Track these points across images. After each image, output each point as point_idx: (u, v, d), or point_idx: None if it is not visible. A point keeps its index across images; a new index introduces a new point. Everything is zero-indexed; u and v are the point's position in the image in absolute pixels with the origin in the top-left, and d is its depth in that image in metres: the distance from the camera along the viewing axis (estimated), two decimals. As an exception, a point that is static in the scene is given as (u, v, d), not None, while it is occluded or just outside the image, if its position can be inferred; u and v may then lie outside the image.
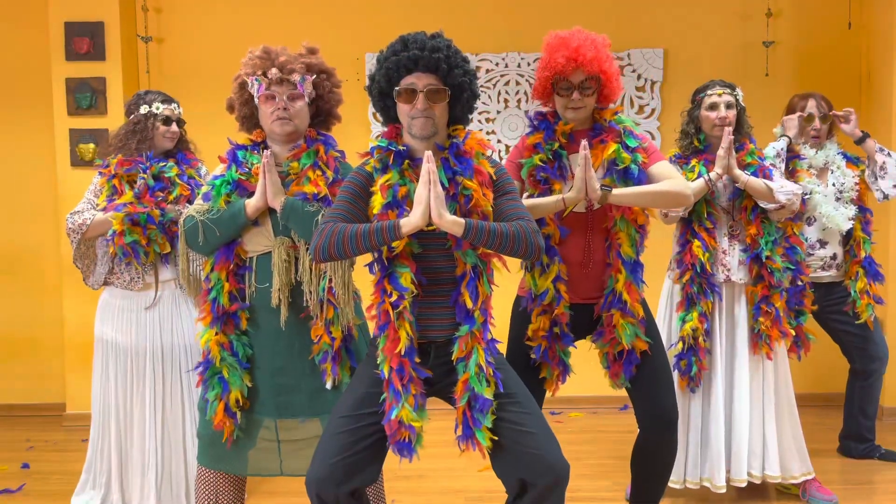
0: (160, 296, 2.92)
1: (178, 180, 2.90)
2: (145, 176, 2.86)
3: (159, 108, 2.93)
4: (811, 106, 3.37)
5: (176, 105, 3.00)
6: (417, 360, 2.07)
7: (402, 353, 2.04)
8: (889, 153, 3.32)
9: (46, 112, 4.39)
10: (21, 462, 3.75)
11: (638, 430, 2.62)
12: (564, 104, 2.48)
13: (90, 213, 2.85)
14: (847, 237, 3.45)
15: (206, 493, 2.37)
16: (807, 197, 3.14)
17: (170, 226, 2.85)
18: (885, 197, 3.37)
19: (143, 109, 2.92)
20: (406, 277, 2.05)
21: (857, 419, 3.64)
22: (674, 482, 3.00)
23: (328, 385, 2.29)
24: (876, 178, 3.35)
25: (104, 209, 2.84)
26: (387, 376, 2.06)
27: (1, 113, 4.58)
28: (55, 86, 4.31)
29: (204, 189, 2.40)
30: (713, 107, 2.97)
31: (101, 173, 2.93)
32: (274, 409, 2.32)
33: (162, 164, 2.91)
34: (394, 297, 2.05)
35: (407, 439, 2.04)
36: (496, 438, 2.04)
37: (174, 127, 2.96)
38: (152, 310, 2.92)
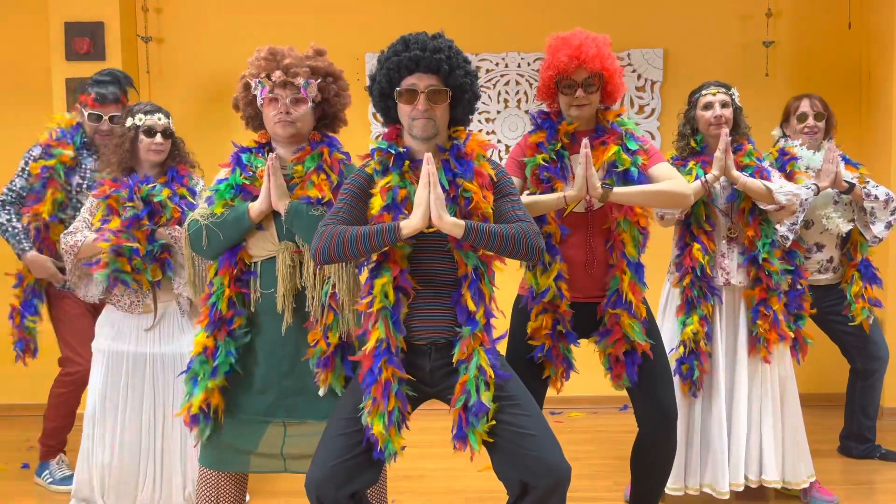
0: (161, 315, 2.93)
1: (168, 202, 2.85)
2: (132, 204, 2.80)
3: (142, 119, 2.86)
4: (804, 105, 3.38)
5: (162, 115, 2.90)
6: (383, 362, 2.04)
7: (368, 353, 2.05)
8: (876, 196, 3.28)
9: (46, 112, 4.35)
10: (21, 462, 3.75)
11: (638, 430, 2.62)
12: (568, 102, 2.49)
13: (82, 235, 2.84)
14: (845, 240, 3.45)
15: (208, 493, 2.36)
16: (806, 201, 3.13)
17: (160, 253, 2.83)
18: (878, 240, 3.34)
19: (129, 122, 2.87)
20: (383, 279, 2.05)
21: (857, 419, 3.64)
22: (674, 489, 2.99)
23: (321, 392, 2.28)
24: (867, 225, 3.33)
25: (98, 230, 2.83)
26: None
27: (1, 113, 4.58)
28: (55, 86, 4.31)
29: (207, 193, 2.39)
30: (708, 106, 2.96)
31: (94, 193, 2.91)
32: (283, 409, 2.31)
33: (151, 186, 2.86)
34: (369, 299, 2.07)
35: (374, 441, 2.04)
36: (493, 441, 2.04)
37: (158, 138, 2.87)
38: (153, 329, 2.93)
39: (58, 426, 3.49)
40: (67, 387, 3.41)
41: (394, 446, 2.04)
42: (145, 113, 2.87)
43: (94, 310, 3.32)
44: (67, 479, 3.37)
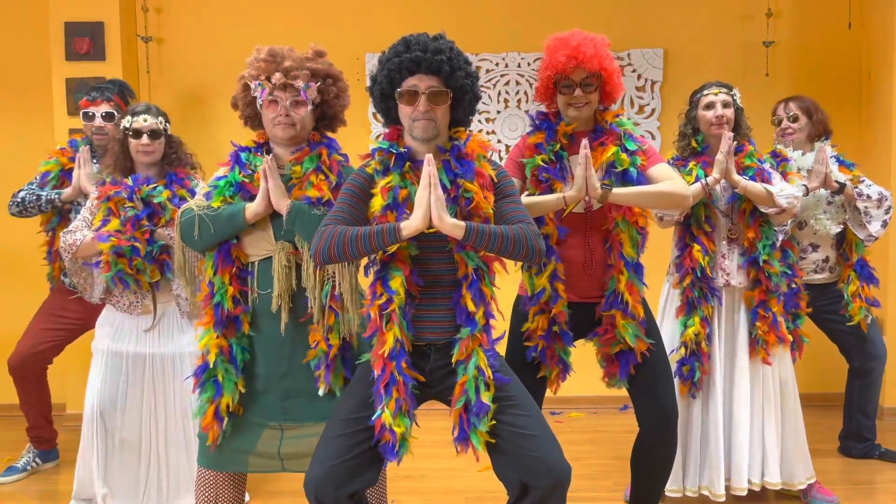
0: (160, 315, 2.93)
1: (168, 204, 2.85)
2: (132, 204, 2.81)
3: (129, 121, 2.86)
4: (779, 110, 3.45)
5: (149, 116, 2.87)
6: (404, 364, 2.05)
7: (387, 355, 2.04)
8: (868, 195, 3.30)
9: (46, 112, 4.39)
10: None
11: (638, 430, 2.62)
12: (566, 102, 2.49)
13: (81, 234, 2.85)
14: (840, 240, 3.46)
15: (206, 493, 2.36)
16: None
17: (159, 254, 2.83)
18: (873, 239, 3.35)
19: (122, 124, 2.89)
20: (396, 280, 2.05)
21: (856, 419, 3.64)
22: (673, 491, 2.99)
23: (321, 392, 2.27)
24: (861, 225, 3.34)
25: (97, 229, 2.83)
26: (375, 378, 2.07)
27: (1, 113, 4.58)
28: (55, 86, 4.31)
29: (205, 189, 2.39)
30: (710, 106, 2.96)
31: (97, 191, 2.92)
32: (280, 412, 2.31)
33: (151, 187, 2.86)
34: (382, 300, 2.06)
35: (390, 443, 2.03)
36: (493, 442, 2.04)
37: (144, 140, 2.85)
38: (152, 329, 2.93)
39: (25, 415, 3.62)
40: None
41: (408, 446, 2.05)
42: (133, 114, 2.88)
43: (71, 318, 3.49)
44: (7, 471, 3.58)
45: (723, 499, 2.93)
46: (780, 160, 3.22)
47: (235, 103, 2.42)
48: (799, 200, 2.91)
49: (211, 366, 2.28)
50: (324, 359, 2.26)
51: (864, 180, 3.34)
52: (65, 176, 3.45)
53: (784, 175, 3.15)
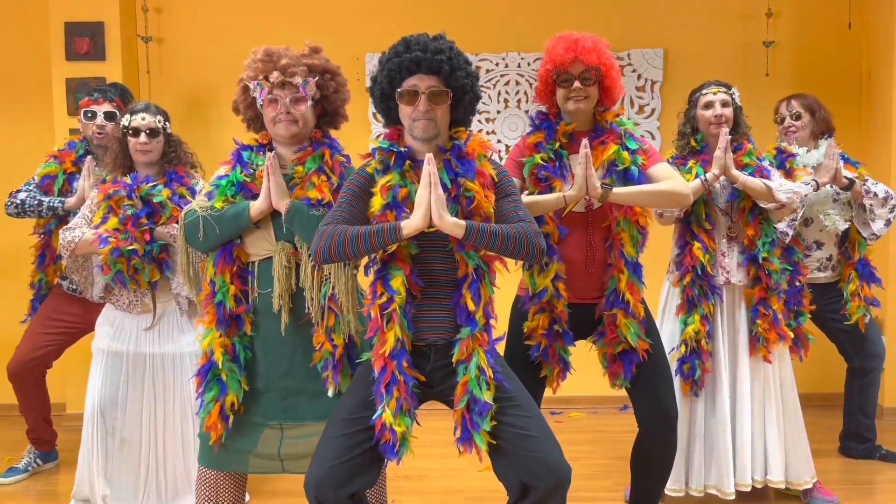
0: (160, 315, 2.93)
1: (168, 203, 2.85)
2: (130, 202, 2.81)
3: (128, 119, 2.87)
4: (781, 108, 3.46)
5: (147, 115, 2.88)
6: (405, 363, 2.05)
7: (388, 354, 2.04)
8: (875, 193, 3.30)
9: (46, 112, 4.39)
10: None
11: (638, 430, 2.62)
12: (565, 95, 2.49)
13: (80, 231, 2.85)
14: (843, 238, 3.46)
15: (207, 492, 2.36)
16: (805, 196, 3.15)
17: (158, 253, 2.84)
18: (876, 237, 3.36)
19: (122, 122, 2.91)
20: (397, 279, 2.05)
21: (856, 419, 3.64)
22: (675, 490, 2.98)
23: (330, 393, 2.27)
24: (866, 223, 3.34)
25: (96, 227, 2.83)
26: (375, 378, 2.07)
27: (1, 113, 4.58)
28: (55, 86, 4.31)
29: (207, 188, 2.39)
30: (709, 105, 2.97)
31: (98, 189, 2.92)
32: (280, 412, 2.31)
33: (150, 185, 2.86)
34: (383, 299, 2.06)
35: (390, 442, 2.03)
36: (494, 442, 2.04)
37: (142, 138, 2.86)
38: (153, 328, 2.93)
39: (25, 418, 3.62)
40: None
41: (408, 445, 2.05)
42: (132, 113, 2.89)
43: (67, 319, 3.49)
44: (9, 472, 3.58)
45: (732, 496, 2.92)
46: (786, 156, 3.22)
47: (237, 107, 2.42)
48: (798, 196, 2.91)
49: (219, 364, 2.28)
50: (330, 360, 2.26)
51: (868, 179, 3.34)
52: (67, 180, 3.44)
53: (791, 171, 3.15)
